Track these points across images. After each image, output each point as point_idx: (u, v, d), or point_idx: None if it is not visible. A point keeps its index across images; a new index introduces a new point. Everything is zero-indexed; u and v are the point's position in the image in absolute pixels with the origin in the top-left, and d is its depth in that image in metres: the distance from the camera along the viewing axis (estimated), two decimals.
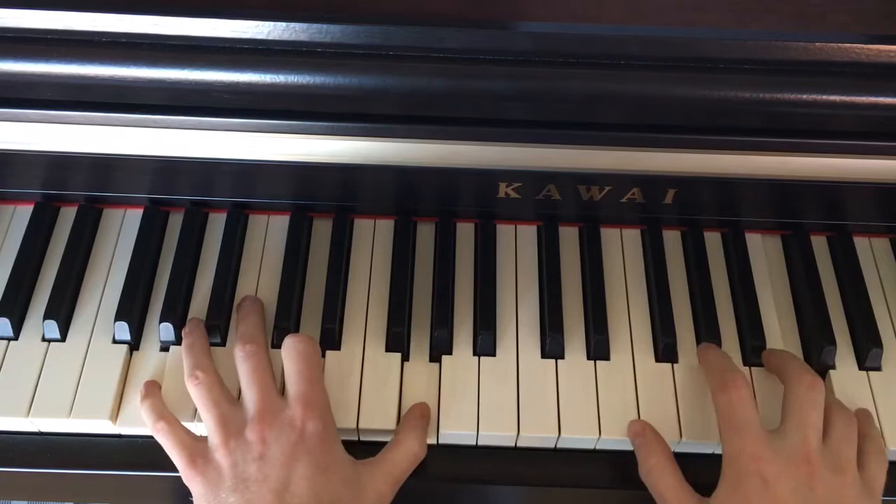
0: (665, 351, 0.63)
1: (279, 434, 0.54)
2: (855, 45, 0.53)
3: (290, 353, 0.58)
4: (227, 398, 0.58)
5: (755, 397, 0.58)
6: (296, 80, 0.53)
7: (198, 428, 0.59)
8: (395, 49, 0.53)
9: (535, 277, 0.67)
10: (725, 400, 0.56)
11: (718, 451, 0.57)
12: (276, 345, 0.63)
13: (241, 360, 0.58)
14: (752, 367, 0.63)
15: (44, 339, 0.63)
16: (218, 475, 0.54)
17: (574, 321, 0.65)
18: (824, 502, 0.52)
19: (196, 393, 0.58)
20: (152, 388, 0.60)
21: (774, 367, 0.61)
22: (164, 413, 0.58)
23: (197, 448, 0.56)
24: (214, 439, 0.55)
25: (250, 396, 0.56)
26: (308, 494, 0.52)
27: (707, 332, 0.63)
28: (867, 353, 0.63)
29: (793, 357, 0.61)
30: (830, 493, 0.52)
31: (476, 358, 0.63)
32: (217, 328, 0.62)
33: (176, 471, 0.56)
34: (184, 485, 0.56)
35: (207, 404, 0.57)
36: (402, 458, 0.57)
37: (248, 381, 0.57)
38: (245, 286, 0.66)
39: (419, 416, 0.60)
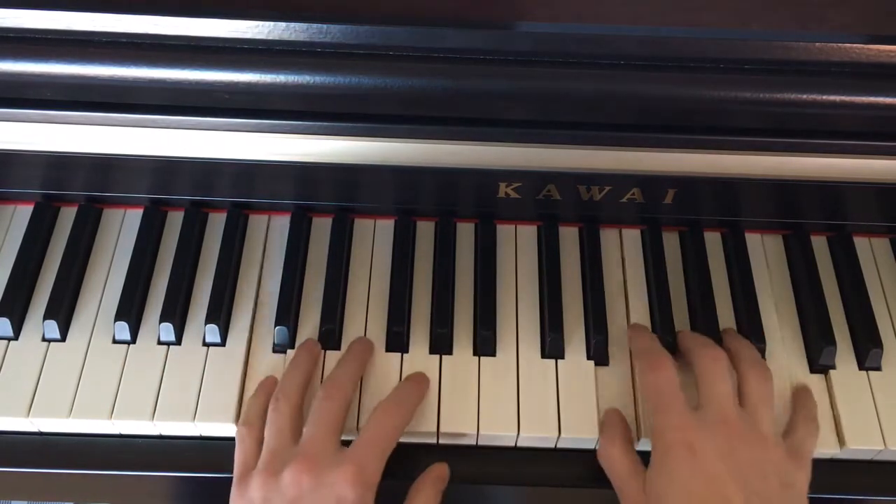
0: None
1: (317, 486, 0.52)
2: (855, 45, 0.53)
3: (381, 413, 0.57)
4: (294, 433, 0.56)
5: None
6: (296, 80, 0.53)
7: (195, 428, 0.60)
8: (395, 49, 0.53)
9: (535, 277, 0.67)
10: (652, 380, 0.57)
11: None
12: (278, 347, 0.63)
13: (319, 399, 0.57)
14: None
15: (44, 339, 0.63)
16: None
17: (574, 321, 0.65)
18: (748, 463, 0.52)
19: (269, 417, 0.57)
20: (260, 389, 0.60)
21: (683, 350, 0.62)
22: (249, 419, 0.58)
23: (249, 471, 0.55)
24: (259, 468, 0.55)
25: (307, 436, 0.55)
26: None
27: (706, 332, 0.63)
28: (867, 353, 0.63)
29: (693, 336, 0.61)
30: (753, 454, 0.53)
31: (476, 358, 0.63)
32: (217, 328, 0.62)
33: (174, 471, 0.57)
34: (182, 485, 0.56)
35: (271, 431, 0.56)
36: None
37: (313, 421, 0.56)
38: (245, 286, 0.66)
39: (434, 478, 0.59)
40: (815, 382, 0.63)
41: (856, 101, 0.54)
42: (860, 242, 0.69)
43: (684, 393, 0.56)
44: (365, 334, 0.64)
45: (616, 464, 0.57)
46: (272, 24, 0.52)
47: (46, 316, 0.62)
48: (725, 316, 0.65)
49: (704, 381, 0.57)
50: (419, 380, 0.61)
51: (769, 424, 0.55)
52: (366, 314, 0.65)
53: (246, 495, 0.54)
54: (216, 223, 0.69)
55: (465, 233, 0.69)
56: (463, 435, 0.60)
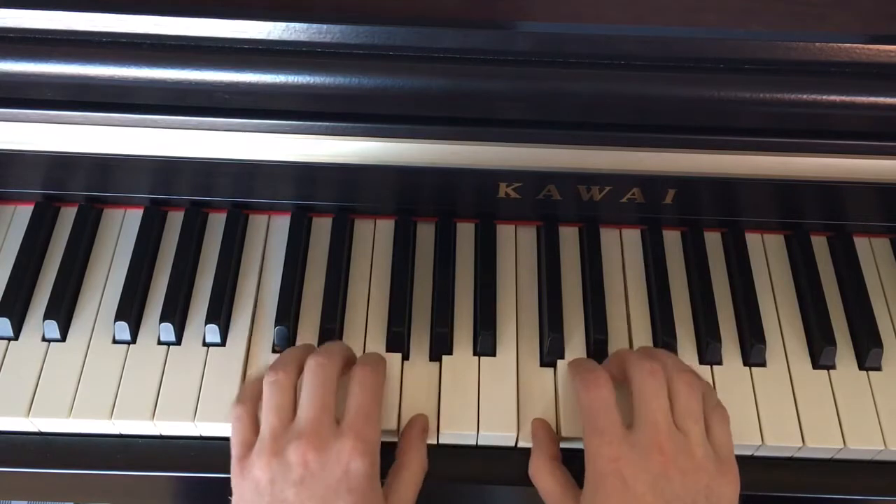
0: None
1: (324, 462, 0.52)
2: (855, 45, 0.53)
3: (356, 383, 0.56)
4: (292, 411, 0.55)
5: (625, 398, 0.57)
6: (296, 80, 0.53)
7: (196, 428, 0.60)
8: (395, 49, 0.53)
9: (535, 277, 0.67)
10: (587, 399, 0.56)
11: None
12: (278, 347, 0.63)
13: (310, 370, 0.56)
14: (753, 367, 0.63)
15: (44, 339, 0.63)
16: (256, 488, 0.52)
17: (574, 321, 0.65)
18: (681, 490, 0.52)
19: (265, 390, 0.56)
20: (258, 374, 0.58)
21: (618, 368, 0.60)
22: (246, 397, 0.57)
23: (250, 450, 0.54)
24: (261, 448, 0.54)
25: (305, 414, 0.54)
26: None
27: (707, 332, 0.63)
28: (867, 353, 0.63)
29: (629, 351, 0.61)
30: (683, 481, 0.53)
31: (476, 358, 0.63)
32: (217, 328, 0.62)
33: (174, 471, 0.56)
34: (182, 485, 0.56)
35: (269, 407, 0.55)
36: (412, 481, 0.57)
37: (308, 395, 0.55)
38: (245, 286, 0.66)
39: (420, 431, 0.59)
40: (815, 381, 0.63)
41: (856, 101, 0.54)
42: (860, 242, 0.69)
43: (619, 411, 0.56)
44: (365, 334, 0.64)
45: (544, 485, 0.57)
46: (272, 24, 0.52)
47: (46, 316, 0.62)
48: (725, 316, 0.65)
49: (640, 397, 0.56)
50: (376, 356, 0.61)
51: (698, 437, 0.55)
52: (366, 314, 0.65)
53: (250, 476, 0.53)
54: (216, 223, 0.69)
55: (465, 233, 0.69)
56: (463, 435, 0.60)
